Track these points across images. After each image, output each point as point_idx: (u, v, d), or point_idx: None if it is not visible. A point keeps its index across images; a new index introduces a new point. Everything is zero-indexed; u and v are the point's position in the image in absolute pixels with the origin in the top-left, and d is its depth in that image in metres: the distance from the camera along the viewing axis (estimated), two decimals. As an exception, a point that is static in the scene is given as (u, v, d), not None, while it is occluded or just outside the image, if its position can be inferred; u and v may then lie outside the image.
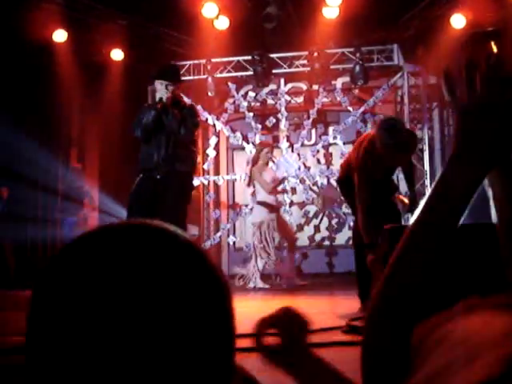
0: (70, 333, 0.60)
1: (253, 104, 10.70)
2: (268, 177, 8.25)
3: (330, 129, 10.50)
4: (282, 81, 10.46)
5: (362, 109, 10.00)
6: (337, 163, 10.52)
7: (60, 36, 9.25)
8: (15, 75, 8.77)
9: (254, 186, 8.49)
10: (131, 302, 0.61)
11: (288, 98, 10.60)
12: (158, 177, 5.02)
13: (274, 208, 8.21)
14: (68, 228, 9.88)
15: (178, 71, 5.79)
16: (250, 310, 5.53)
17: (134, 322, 0.60)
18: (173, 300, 0.63)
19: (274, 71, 10.11)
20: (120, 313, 0.60)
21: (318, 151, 10.42)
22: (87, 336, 0.60)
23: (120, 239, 0.66)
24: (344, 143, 10.19)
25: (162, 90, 5.04)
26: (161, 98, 5.04)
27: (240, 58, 10.21)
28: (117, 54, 9.90)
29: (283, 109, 10.32)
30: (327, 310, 5.31)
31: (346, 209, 10.29)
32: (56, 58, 9.24)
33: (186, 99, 9.55)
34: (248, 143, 10.40)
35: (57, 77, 9.14)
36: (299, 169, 10.24)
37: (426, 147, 9.87)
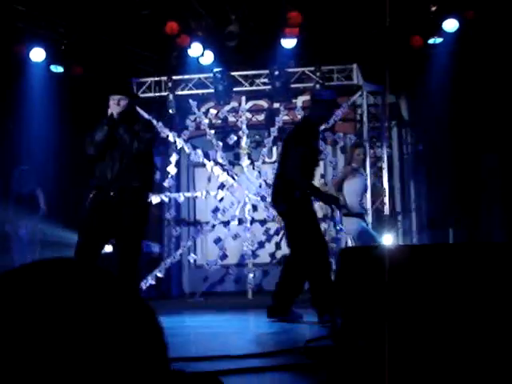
0: None
1: (214, 121, 10.71)
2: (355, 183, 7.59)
3: (291, 146, 10.54)
4: (244, 98, 10.50)
5: (322, 127, 10.07)
6: (298, 181, 10.59)
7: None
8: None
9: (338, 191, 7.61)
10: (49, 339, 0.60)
11: (249, 116, 10.65)
12: (112, 194, 4.89)
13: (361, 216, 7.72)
14: None
15: (129, 85, 5.74)
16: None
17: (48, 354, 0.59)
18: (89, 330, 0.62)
19: (235, 89, 10.15)
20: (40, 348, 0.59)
21: (279, 169, 10.43)
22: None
23: (47, 276, 0.65)
24: (305, 161, 10.25)
25: (113, 105, 4.93)
26: (111, 113, 4.92)
27: (201, 76, 10.23)
28: (76, 70, 9.81)
29: (244, 126, 10.35)
30: (288, 329, 5.30)
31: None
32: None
33: (146, 116, 9.59)
34: (209, 160, 10.39)
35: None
36: (260, 186, 10.26)
37: (385, 165, 9.99)
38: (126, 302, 0.66)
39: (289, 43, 9.17)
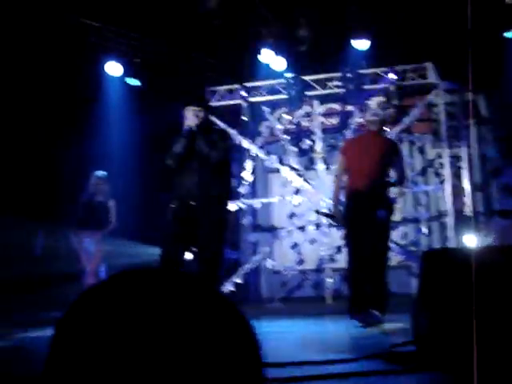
0: (87, 377, 0.58)
1: (288, 127, 10.71)
2: None
3: (366, 149, 10.39)
4: (316, 102, 10.44)
5: (397, 128, 9.90)
6: (374, 183, 10.42)
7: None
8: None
9: None
10: (151, 347, 0.58)
11: (323, 120, 10.58)
12: (193, 204, 4.95)
13: None
14: None
15: (205, 97, 5.82)
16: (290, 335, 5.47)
17: (153, 365, 0.58)
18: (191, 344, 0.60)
19: (307, 93, 10.11)
20: (140, 358, 0.58)
21: (354, 172, 10.30)
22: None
23: (141, 285, 0.63)
24: (381, 163, 10.09)
25: (191, 117, 5.00)
26: (189, 126, 5.00)
27: (274, 82, 10.24)
28: (151, 81, 10.08)
29: (318, 130, 10.29)
30: (369, 335, 5.20)
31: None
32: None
33: (220, 124, 9.69)
34: (284, 166, 10.39)
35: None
36: (336, 190, 10.15)
37: (466, 165, 9.70)
38: (226, 310, 0.64)
39: (361, 44, 9.05)
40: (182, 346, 0.60)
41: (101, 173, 8.22)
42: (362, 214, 5.54)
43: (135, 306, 0.62)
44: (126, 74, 9.90)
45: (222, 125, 9.68)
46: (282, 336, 5.40)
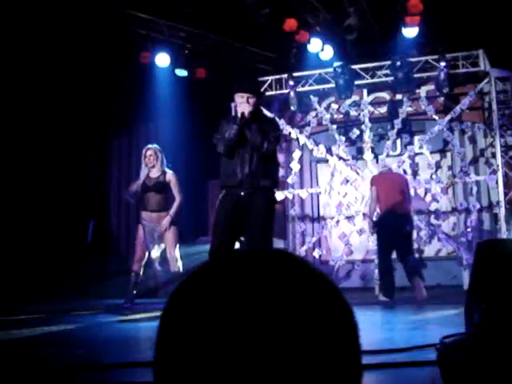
0: (198, 357, 0.61)
1: (336, 116, 10.65)
2: None
3: (416, 138, 10.28)
4: (365, 91, 10.35)
5: (448, 117, 9.74)
6: (423, 173, 10.30)
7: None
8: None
9: None
10: (258, 327, 0.61)
11: (371, 109, 10.50)
12: (242, 194, 4.91)
13: None
14: None
15: (257, 83, 5.69)
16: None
17: (262, 345, 0.60)
18: (300, 326, 0.62)
19: (356, 82, 10.02)
20: (248, 338, 0.60)
21: (403, 161, 10.22)
22: (214, 362, 0.60)
23: (247, 266, 0.66)
24: (431, 152, 9.97)
25: (243, 104, 4.90)
26: (242, 112, 4.91)
27: (322, 71, 10.20)
28: (200, 72, 10.17)
29: (367, 120, 10.21)
30: (420, 325, 5.19)
31: (434, 220, 10.05)
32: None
33: (268, 114, 9.72)
34: (332, 155, 10.35)
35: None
36: (385, 180, 10.08)
37: (518, 154, 9.50)
38: (329, 293, 0.66)
39: (410, 32, 8.93)
40: (287, 327, 0.63)
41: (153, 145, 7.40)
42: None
43: (243, 285, 0.64)
44: (175, 65, 10.02)
45: (270, 115, 9.70)
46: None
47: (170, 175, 7.20)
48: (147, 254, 7.12)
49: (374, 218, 8.01)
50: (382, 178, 8.21)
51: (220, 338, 0.61)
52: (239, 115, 4.93)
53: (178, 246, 7.15)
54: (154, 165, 7.18)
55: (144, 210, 7.20)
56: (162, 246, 7.14)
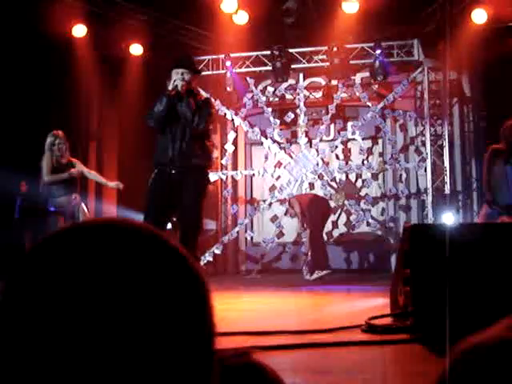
0: (38, 334, 0.58)
1: (271, 99, 10.67)
2: None
3: (349, 124, 10.42)
4: (301, 76, 10.41)
5: (381, 104, 9.92)
6: (355, 159, 10.46)
7: (80, 31, 9.29)
8: (35, 70, 8.82)
9: None
10: (101, 303, 0.58)
11: (307, 93, 10.56)
12: (174, 172, 4.90)
13: None
14: None
15: (193, 61, 5.68)
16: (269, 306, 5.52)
17: (105, 322, 0.58)
18: (145, 299, 0.60)
19: (292, 66, 10.06)
20: (91, 313, 0.58)
21: (336, 147, 10.36)
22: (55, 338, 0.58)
23: (91, 239, 0.63)
24: (363, 139, 10.12)
25: (177, 79, 4.90)
26: (176, 86, 4.89)
27: (259, 53, 10.18)
28: (136, 49, 9.95)
29: (302, 104, 10.28)
30: (345, 308, 5.28)
31: (364, 205, 10.24)
32: (75, 52, 9.29)
33: (203, 93, 9.63)
34: (266, 138, 10.38)
35: (76, 71, 9.20)
36: (317, 164, 10.20)
37: (446, 143, 9.77)
38: (174, 264, 0.64)
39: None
40: (125, 301, 0.60)
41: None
42: None
43: (85, 258, 0.62)
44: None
45: (205, 94, 9.62)
46: (260, 307, 5.46)
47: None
48: None
49: None
50: None
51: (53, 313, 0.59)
52: (172, 88, 4.91)
53: None
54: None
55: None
56: None
